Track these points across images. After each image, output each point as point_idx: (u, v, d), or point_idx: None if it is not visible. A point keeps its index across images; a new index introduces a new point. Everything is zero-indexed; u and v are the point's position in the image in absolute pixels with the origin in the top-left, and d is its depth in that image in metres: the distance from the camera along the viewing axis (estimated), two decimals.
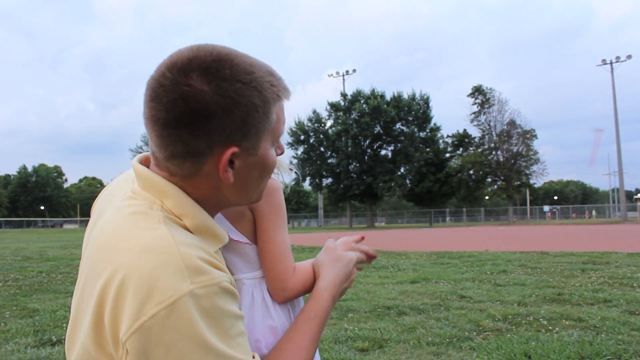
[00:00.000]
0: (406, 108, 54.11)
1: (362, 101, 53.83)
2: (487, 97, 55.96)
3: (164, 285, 0.71)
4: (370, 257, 1.16)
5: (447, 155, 58.82)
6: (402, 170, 55.48)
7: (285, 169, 1.13)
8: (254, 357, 0.83)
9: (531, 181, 55.60)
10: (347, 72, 58.88)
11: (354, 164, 54.54)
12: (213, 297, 0.75)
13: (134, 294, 0.71)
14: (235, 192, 0.89)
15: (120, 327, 0.72)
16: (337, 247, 1.09)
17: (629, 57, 45.50)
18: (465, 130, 58.75)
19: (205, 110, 0.77)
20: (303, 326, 0.97)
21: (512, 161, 53.65)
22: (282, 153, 0.97)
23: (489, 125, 56.16)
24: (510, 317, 4.47)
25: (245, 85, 0.80)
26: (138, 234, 0.77)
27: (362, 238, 1.16)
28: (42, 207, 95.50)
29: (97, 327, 0.75)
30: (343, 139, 53.09)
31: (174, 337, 0.71)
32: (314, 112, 56.54)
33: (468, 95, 57.32)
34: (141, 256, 0.73)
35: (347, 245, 1.11)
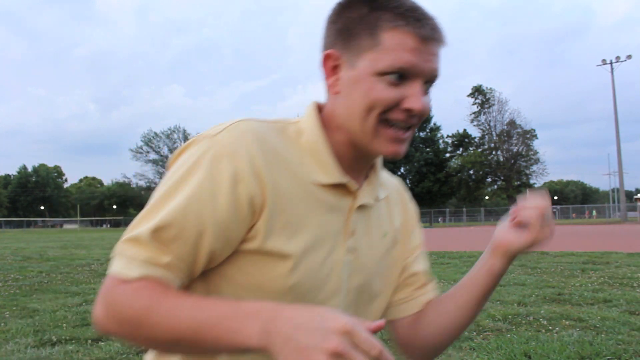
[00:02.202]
0: None
1: None
2: (487, 97, 56.01)
3: (217, 128, 0.81)
4: None
5: (447, 155, 58.84)
6: (402, 170, 55.48)
7: None
8: (159, 266, 0.73)
9: (531, 181, 55.63)
10: None
11: None
12: (218, 155, 0.77)
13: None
14: (342, 110, 0.85)
15: None
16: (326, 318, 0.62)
17: (629, 57, 45.42)
18: (465, 130, 58.81)
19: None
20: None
21: (512, 161, 53.69)
22: (411, 107, 0.79)
23: (489, 125, 56.23)
24: (510, 317, 4.47)
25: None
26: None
27: (379, 327, 0.64)
28: (42, 207, 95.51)
29: None
30: None
31: (185, 161, 0.78)
32: None
33: (468, 95, 57.44)
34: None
35: (351, 331, 0.60)
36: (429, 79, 0.82)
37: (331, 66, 0.85)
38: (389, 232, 0.99)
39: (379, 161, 0.96)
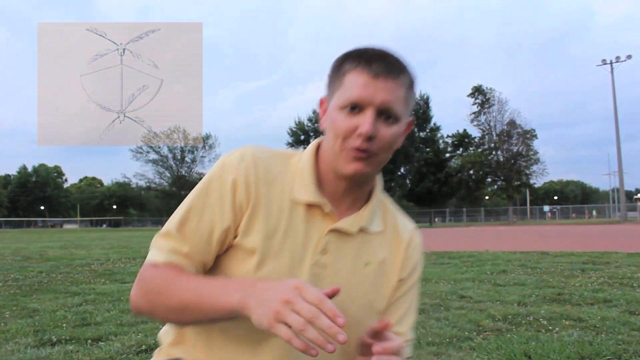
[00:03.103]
0: None
1: None
2: (487, 97, 55.90)
3: (231, 151, 1.04)
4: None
5: (447, 155, 58.78)
6: (402, 170, 55.45)
7: None
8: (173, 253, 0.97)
9: (531, 181, 55.58)
10: None
11: None
12: (226, 167, 1.00)
13: None
14: (325, 142, 1.04)
15: None
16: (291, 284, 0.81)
17: (629, 57, 45.36)
18: (465, 130, 58.72)
19: None
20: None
21: (512, 161, 53.61)
22: (362, 131, 0.93)
23: (489, 125, 56.14)
24: (510, 317, 4.47)
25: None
26: None
27: (334, 292, 0.83)
28: (42, 207, 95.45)
29: None
30: None
31: (208, 173, 1.02)
32: (314, 112, 56.57)
33: (468, 95, 57.26)
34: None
35: (301, 287, 0.79)
36: (382, 110, 0.95)
37: (323, 109, 1.05)
38: (373, 263, 1.08)
39: (375, 198, 1.09)
